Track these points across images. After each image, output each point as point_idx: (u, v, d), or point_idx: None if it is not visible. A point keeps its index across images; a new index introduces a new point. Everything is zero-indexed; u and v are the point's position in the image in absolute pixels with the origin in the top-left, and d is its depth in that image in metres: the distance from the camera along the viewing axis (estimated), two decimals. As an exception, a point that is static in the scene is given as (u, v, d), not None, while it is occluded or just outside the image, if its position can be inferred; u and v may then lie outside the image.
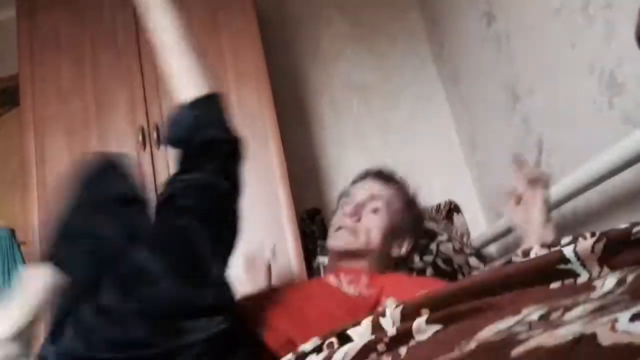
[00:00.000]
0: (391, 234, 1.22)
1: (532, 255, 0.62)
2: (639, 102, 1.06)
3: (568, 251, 0.52)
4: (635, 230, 0.50)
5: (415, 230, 1.29)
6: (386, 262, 1.22)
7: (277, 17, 2.34)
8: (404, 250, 1.25)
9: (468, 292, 0.53)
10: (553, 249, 0.60)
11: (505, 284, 0.52)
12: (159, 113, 1.80)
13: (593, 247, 0.51)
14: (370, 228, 1.20)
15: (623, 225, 0.57)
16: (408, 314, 0.53)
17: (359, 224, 1.21)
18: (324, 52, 2.29)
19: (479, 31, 1.75)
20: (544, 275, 0.52)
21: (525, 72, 1.50)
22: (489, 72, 1.73)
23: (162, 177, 1.72)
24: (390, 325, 0.54)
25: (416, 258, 1.64)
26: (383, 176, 1.32)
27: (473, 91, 1.92)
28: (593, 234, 0.59)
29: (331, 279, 1.10)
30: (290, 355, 0.66)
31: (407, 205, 1.28)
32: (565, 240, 0.61)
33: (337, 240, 1.22)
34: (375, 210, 1.22)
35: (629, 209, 1.15)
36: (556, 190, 1.26)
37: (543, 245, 0.63)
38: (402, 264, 1.29)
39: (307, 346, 0.65)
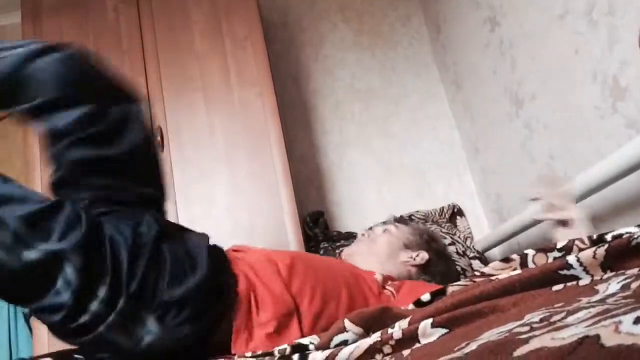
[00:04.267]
0: (400, 244, 1.37)
1: (530, 259, 0.62)
2: (642, 107, 1.06)
3: (571, 258, 0.53)
4: (634, 236, 0.50)
5: (429, 246, 1.39)
6: (397, 268, 1.34)
7: (280, 23, 2.35)
8: (417, 259, 1.35)
9: (471, 302, 0.53)
10: (549, 254, 0.61)
11: (507, 292, 0.52)
12: (162, 116, 1.81)
13: (595, 253, 0.51)
14: (377, 235, 1.40)
15: (619, 231, 0.57)
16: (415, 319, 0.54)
17: (367, 234, 1.42)
18: (328, 57, 2.30)
19: (482, 36, 1.76)
20: (546, 282, 0.52)
21: (528, 77, 1.50)
22: (492, 77, 1.74)
23: (167, 179, 1.72)
24: (396, 326, 0.55)
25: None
26: (396, 219, 1.54)
27: (476, 96, 1.92)
28: (590, 238, 0.59)
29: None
30: (286, 346, 0.66)
31: (421, 230, 1.45)
32: (560, 244, 0.61)
33: (346, 249, 1.45)
34: (385, 230, 1.41)
35: (632, 213, 1.15)
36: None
37: (539, 250, 0.63)
38: (417, 278, 1.37)
39: (306, 340, 0.66)
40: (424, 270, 1.36)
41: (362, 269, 1.20)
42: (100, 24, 1.94)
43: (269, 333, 0.86)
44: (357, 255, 1.35)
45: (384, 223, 1.50)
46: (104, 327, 0.76)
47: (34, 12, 1.96)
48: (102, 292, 0.76)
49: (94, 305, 0.75)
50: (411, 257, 1.35)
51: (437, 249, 1.41)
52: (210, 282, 0.85)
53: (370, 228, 1.48)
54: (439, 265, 1.39)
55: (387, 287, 1.14)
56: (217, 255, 0.95)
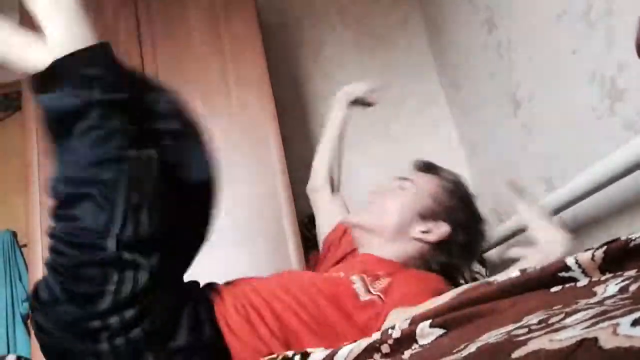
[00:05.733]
0: (415, 214, 1.07)
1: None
2: (640, 108, 1.06)
3: (569, 260, 0.53)
4: (633, 238, 0.50)
5: (454, 215, 1.08)
6: (406, 245, 1.07)
7: (279, 24, 2.35)
8: (431, 236, 1.06)
9: (470, 304, 0.53)
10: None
11: (506, 294, 0.52)
12: (161, 118, 1.80)
13: (593, 255, 0.52)
14: (389, 204, 1.10)
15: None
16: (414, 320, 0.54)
17: (378, 201, 1.13)
18: (326, 59, 2.30)
19: (480, 38, 1.76)
20: (545, 284, 0.52)
21: (526, 79, 1.51)
22: (490, 78, 1.74)
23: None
24: (396, 327, 0.55)
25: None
26: (423, 165, 1.19)
27: (474, 98, 1.93)
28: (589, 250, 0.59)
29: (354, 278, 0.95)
30: (290, 353, 0.66)
31: (445, 190, 1.11)
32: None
33: (351, 216, 1.21)
34: (401, 187, 1.11)
35: (629, 215, 1.15)
36: (557, 197, 1.27)
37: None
38: (432, 257, 1.08)
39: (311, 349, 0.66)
40: (440, 247, 1.06)
41: (330, 279, 0.95)
42: (98, 25, 1.92)
43: None
44: (361, 231, 1.11)
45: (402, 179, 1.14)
46: (106, 344, 0.74)
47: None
48: (128, 313, 0.75)
49: (114, 320, 0.74)
50: (425, 232, 1.06)
51: (463, 220, 1.08)
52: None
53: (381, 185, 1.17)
54: (459, 240, 1.07)
55: (372, 290, 0.91)
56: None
